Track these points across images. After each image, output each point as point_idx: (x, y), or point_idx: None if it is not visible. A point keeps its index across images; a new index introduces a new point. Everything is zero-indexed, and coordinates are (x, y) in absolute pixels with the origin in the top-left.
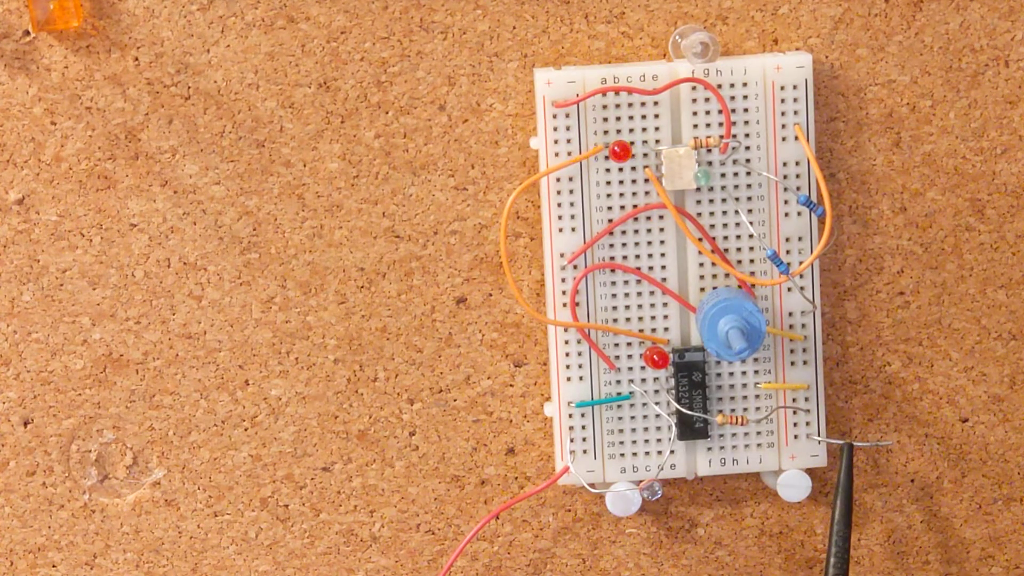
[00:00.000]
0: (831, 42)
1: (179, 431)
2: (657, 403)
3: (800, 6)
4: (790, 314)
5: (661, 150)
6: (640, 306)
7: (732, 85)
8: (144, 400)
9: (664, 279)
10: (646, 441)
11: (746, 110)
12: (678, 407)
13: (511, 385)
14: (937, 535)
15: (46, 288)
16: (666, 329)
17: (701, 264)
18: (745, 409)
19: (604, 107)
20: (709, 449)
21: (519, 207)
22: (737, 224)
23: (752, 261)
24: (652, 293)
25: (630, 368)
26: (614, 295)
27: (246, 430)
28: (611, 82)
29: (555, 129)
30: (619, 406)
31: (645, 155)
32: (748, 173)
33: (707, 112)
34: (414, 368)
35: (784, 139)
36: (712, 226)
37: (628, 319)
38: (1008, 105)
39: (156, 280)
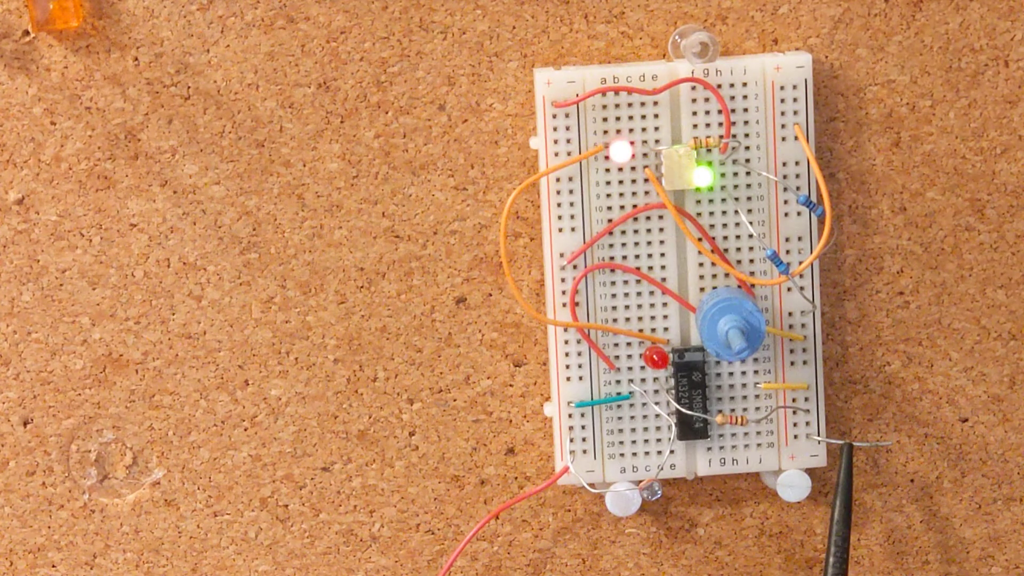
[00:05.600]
0: (831, 42)
1: (179, 431)
2: (657, 403)
3: (800, 6)
4: (790, 314)
5: (661, 150)
6: (640, 306)
7: (732, 85)
8: (144, 400)
9: (664, 279)
10: (646, 441)
11: (746, 110)
12: (678, 407)
13: (511, 385)
14: (937, 535)
15: (46, 288)
16: (666, 329)
17: (701, 264)
18: (745, 409)
19: (604, 107)
20: (709, 449)
21: (519, 207)
22: (737, 224)
23: (752, 261)
24: (652, 293)
25: (630, 368)
26: (614, 295)
27: (246, 430)
28: (611, 82)
29: (555, 129)
30: (619, 406)
31: (645, 155)
32: (748, 173)
33: (707, 112)
34: (414, 368)
35: (784, 139)
36: (712, 226)
37: (628, 319)
38: (1008, 105)
39: (156, 280)
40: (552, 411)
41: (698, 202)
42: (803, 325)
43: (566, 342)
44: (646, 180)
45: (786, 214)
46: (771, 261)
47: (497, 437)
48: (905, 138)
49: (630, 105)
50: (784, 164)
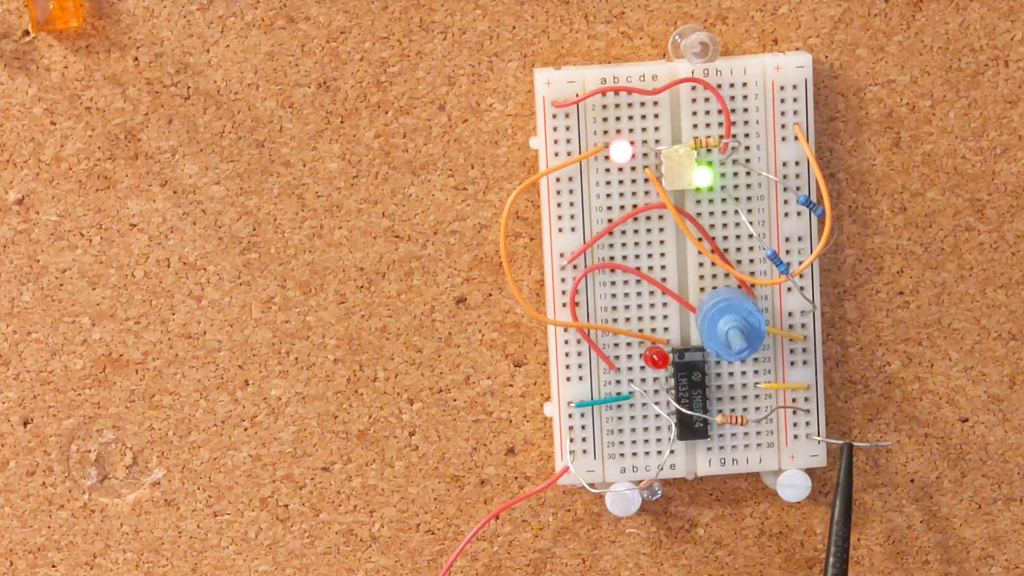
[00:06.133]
0: (831, 42)
1: (179, 431)
2: (657, 403)
3: (800, 6)
4: (790, 314)
5: (661, 150)
6: (640, 306)
7: (732, 85)
8: (144, 400)
9: (664, 279)
10: (646, 441)
11: (746, 110)
12: (678, 407)
13: (511, 385)
14: (937, 535)
15: (46, 288)
16: (666, 329)
17: (701, 264)
18: (745, 409)
19: (604, 107)
20: (709, 449)
21: (519, 207)
22: (737, 224)
23: (752, 261)
24: (652, 293)
25: (630, 368)
26: (614, 295)
27: (246, 430)
28: (611, 82)
29: (555, 129)
30: (619, 406)
31: (645, 155)
32: (748, 173)
33: (707, 112)
34: (414, 368)
35: (784, 139)
36: (712, 226)
37: (628, 319)
38: (1008, 105)
39: (156, 280)
40: (552, 411)
41: (698, 202)
42: (803, 325)
43: (566, 342)
44: (646, 180)
45: (786, 214)
46: (771, 261)
47: (497, 437)
48: (905, 138)
49: (630, 105)
50: (784, 164)
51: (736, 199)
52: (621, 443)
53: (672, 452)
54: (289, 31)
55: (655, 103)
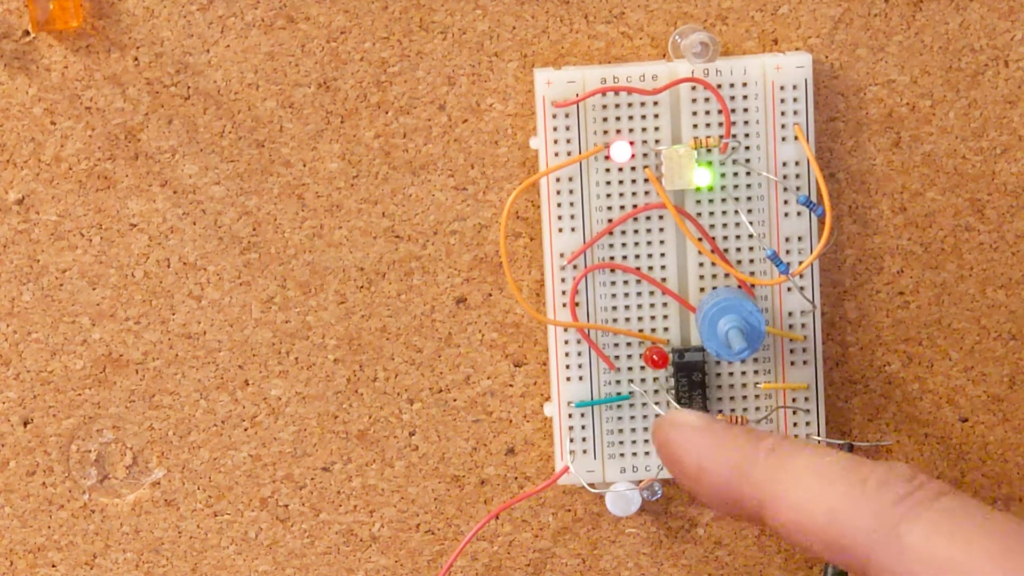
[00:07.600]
0: (831, 42)
1: (179, 431)
2: (657, 403)
3: (800, 6)
4: (790, 314)
5: (661, 150)
6: (640, 306)
7: (732, 85)
8: (144, 400)
9: (664, 279)
10: (646, 441)
11: (746, 110)
12: (678, 407)
13: (511, 385)
14: None
15: (46, 288)
16: (666, 329)
17: (701, 264)
18: (745, 409)
19: (604, 107)
20: None
21: (519, 207)
22: (737, 224)
23: (752, 261)
24: (652, 293)
25: (630, 368)
26: (614, 295)
27: (246, 430)
28: (611, 82)
29: (555, 129)
30: (619, 406)
31: (645, 155)
32: (748, 173)
33: (707, 112)
34: (414, 368)
35: (784, 139)
36: (712, 226)
37: (628, 319)
38: (1008, 105)
39: (156, 280)
40: (552, 411)
41: (698, 202)
42: (803, 325)
43: (566, 342)
44: (646, 180)
45: (786, 214)
46: (771, 261)
47: (497, 437)
48: (905, 138)
49: (630, 105)
50: (784, 164)
51: (736, 199)
52: (621, 443)
53: None
54: (289, 31)
55: (655, 103)
